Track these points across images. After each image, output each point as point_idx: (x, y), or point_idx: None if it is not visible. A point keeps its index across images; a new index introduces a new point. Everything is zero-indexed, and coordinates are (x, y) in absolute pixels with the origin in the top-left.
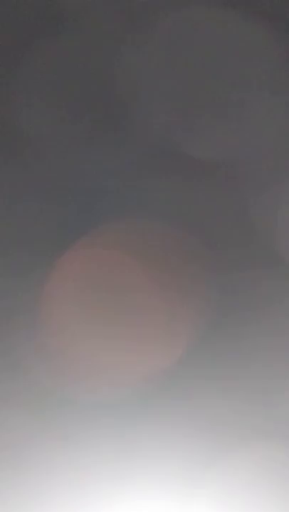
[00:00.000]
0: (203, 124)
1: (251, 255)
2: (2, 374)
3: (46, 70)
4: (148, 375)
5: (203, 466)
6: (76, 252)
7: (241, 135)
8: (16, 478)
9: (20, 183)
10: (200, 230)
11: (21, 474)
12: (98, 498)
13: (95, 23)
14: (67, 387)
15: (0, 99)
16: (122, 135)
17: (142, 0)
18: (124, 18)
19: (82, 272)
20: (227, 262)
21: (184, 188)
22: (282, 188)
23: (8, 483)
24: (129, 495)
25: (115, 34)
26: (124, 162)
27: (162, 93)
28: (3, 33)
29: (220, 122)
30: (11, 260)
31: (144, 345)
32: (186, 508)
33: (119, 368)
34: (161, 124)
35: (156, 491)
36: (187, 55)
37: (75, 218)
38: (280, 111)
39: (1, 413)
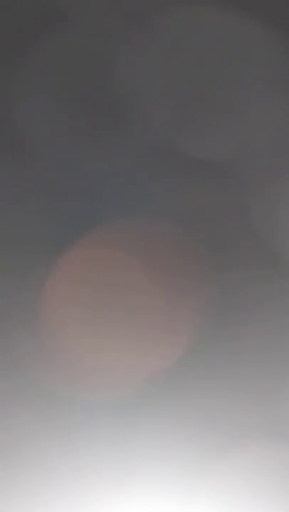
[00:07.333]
0: (203, 124)
1: (251, 255)
2: (2, 373)
3: (46, 70)
4: (148, 375)
5: (203, 466)
6: (76, 252)
7: (241, 135)
8: (16, 477)
9: (20, 183)
10: (200, 230)
11: (21, 474)
12: (98, 497)
13: (95, 23)
14: (67, 386)
15: (0, 99)
16: (121, 135)
17: (142, 0)
18: (124, 18)
19: (82, 272)
20: (227, 262)
21: (184, 188)
22: (282, 188)
23: (8, 482)
24: (129, 495)
25: (115, 34)
26: (124, 162)
27: (162, 93)
28: (4, 32)
29: (220, 122)
30: (11, 260)
31: (144, 345)
32: (186, 508)
33: (119, 367)
34: (161, 124)
35: (156, 491)
36: (187, 55)
37: (75, 218)
38: (279, 111)
39: (1, 413)
